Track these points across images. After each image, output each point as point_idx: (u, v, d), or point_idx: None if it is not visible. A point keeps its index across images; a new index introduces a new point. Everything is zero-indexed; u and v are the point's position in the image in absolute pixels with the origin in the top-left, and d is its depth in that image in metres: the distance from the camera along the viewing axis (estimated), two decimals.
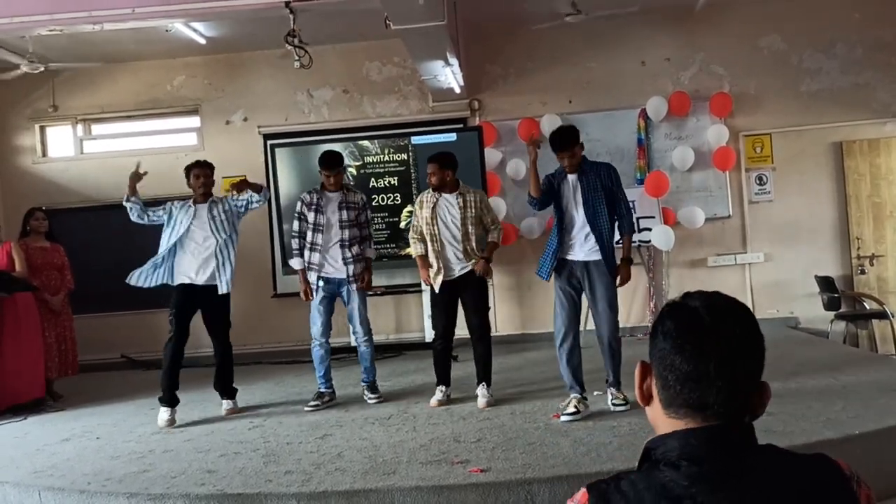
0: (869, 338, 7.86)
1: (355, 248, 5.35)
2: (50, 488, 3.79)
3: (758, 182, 8.03)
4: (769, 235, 7.98)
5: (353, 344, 5.64)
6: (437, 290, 5.17)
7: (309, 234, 5.36)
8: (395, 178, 7.81)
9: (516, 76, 8.19)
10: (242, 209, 5.40)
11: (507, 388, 5.41)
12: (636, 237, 6.91)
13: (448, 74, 7.01)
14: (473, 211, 5.15)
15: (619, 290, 4.77)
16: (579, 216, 4.67)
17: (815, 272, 7.72)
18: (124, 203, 5.28)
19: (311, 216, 5.36)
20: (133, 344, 8.17)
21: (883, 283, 7.87)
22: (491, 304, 5.54)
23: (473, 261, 5.11)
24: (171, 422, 5.10)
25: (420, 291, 7.61)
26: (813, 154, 7.96)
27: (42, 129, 8.70)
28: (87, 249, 7.62)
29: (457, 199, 5.16)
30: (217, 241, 5.23)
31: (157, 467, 4.01)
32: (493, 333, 5.44)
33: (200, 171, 5.33)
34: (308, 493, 3.42)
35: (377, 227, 7.56)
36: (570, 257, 4.73)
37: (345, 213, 5.33)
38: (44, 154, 8.70)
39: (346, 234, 5.32)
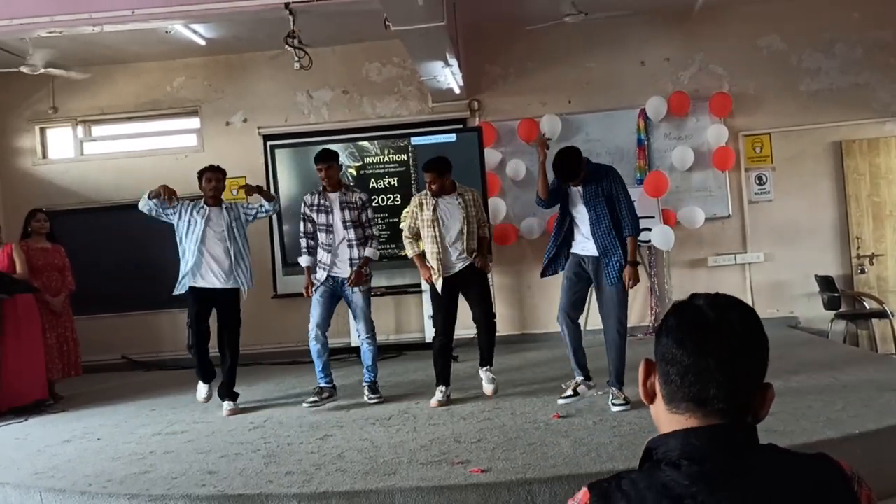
0: (869, 337, 7.86)
1: (362, 250, 5.37)
2: (51, 489, 3.79)
3: (757, 182, 8.03)
4: (769, 235, 7.98)
5: (355, 344, 5.65)
6: (439, 291, 5.20)
7: (319, 234, 5.41)
8: (395, 179, 7.81)
9: (516, 76, 8.20)
10: (251, 217, 5.61)
11: (507, 389, 5.41)
12: None
13: (447, 75, 7.02)
14: (473, 209, 5.21)
15: None
16: (585, 222, 4.78)
17: (815, 272, 7.72)
18: (147, 198, 5.40)
19: (315, 217, 5.40)
20: (134, 345, 8.19)
21: (883, 283, 7.87)
22: (491, 292, 5.56)
23: (472, 255, 5.16)
24: (208, 398, 5.54)
25: (420, 292, 7.61)
26: (813, 154, 7.97)
27: (42, 130, 8.71)
28: (87, 251, 7.62)
29: (457, 199, 5.19)
30: (234, 245, 5.44)
31: (157, 468, 4.01)
32: (495, 320, 5.45)
33: (212, 175, 5.50)
34: (309, 493, 3.42)
35: (377, 227, 7.53)
36: (580, 252, 4.84)
37: (347, 212, 5.35)
38: (44, 156, 8.70)
39: (352, 233, 5.34)
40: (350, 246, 5.34)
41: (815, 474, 1.15)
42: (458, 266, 5.17)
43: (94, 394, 6.60)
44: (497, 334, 5.40)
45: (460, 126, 8.11)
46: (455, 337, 5.33)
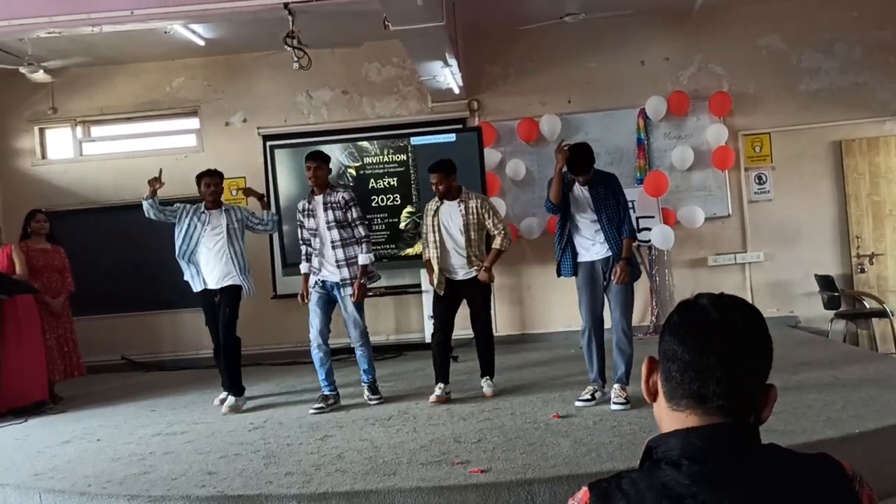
0: (869, 336, 7.86)
1: (349, 251, 5.30)
2: (51, 490, 3.79)
3: (757, 181, 8.03)
4: (769, 235, 7.98)
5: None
6: (440, 294, 5.24)
7: (311, 240, 5.42)
8: (395, 179, 7.80)
9: (516, 76, 8.19)
10: (251, 227, 5.76)
11: (507, 389, 5.41)
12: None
13: (447, 75, 7.01)
14: (475, 217, 5.22)
15: None
16: (592, 224, 4.84)
17: (815, 271, 7.72)
18: (143, 201, 5.56)
19: (305, 222, 5.39)
20: (133, 346, 8.18)
21: (883, 282, 7.87)
22: (491, 304, 5.60)
23: (476, 268, 5.19)
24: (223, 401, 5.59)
25: (420, 292, 7.61)
26: (812, 153, 7.97)
27: (41, 131, 8.70)
28: (87, 251, 7.61)
29: (458, 205, 5.23)
30: (233, 247, 5.55)
31: (157, 469, 4.01)
32: (493, 334, 5.49)
33: (210, 180, 5.62)
34: (308, 494, 3.41)
35: (377, 227, 7.55)
36: (590, 258, 4.88)
37: (330, 213, 5.28)
38: (43, 156, 8.69)
39: (336, 234, 5.27)
40: (335, 247, 5.27)
41: (817, 474, 1.14)
42: (461, 273, 5.23)
43: (94, 394, 6.59)
44: (497, 334, 5.43)
45: (460, 126, 8.10)
46: (455, 337, 5.36)
